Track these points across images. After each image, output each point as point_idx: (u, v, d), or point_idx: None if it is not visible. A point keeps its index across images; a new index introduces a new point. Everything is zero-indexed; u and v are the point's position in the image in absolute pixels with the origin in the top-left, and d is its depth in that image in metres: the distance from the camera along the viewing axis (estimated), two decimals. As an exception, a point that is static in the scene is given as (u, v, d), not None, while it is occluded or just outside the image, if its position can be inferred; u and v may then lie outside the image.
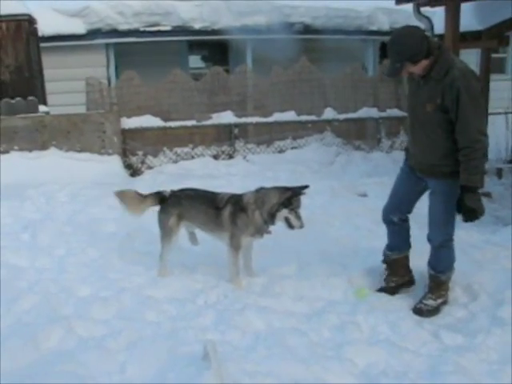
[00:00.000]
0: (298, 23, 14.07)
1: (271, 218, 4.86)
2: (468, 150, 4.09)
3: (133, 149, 10.77)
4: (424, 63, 4.16)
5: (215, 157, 11.26)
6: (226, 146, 11.37)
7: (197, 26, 13.63)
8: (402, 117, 12.42)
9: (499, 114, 10.62)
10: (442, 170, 4.30)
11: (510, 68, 17.15)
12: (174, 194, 5.34)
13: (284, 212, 4.82)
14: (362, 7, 14.84)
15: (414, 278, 4.95)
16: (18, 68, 10.37)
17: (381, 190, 8.12)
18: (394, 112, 12.49)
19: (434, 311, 4.51)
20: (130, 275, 5.27)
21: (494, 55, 11.76)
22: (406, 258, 4.91)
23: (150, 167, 10.81)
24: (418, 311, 4.51)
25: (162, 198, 5.31)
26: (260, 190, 5.04)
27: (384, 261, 4.95)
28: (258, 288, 4.94)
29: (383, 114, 12.35)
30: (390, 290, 4.86)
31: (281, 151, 11.57)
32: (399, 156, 11.62)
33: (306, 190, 4.90)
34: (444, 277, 4.57)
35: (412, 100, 4.46)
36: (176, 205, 5.23)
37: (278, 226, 4.98)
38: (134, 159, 10.76)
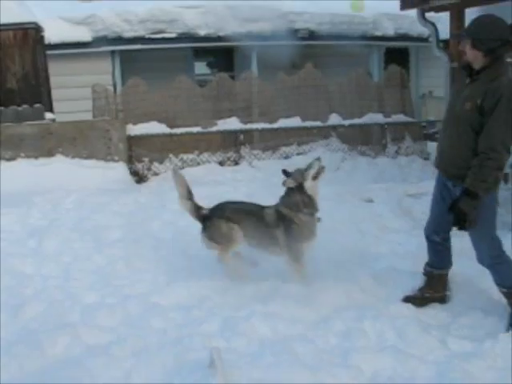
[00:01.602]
0: (302, 29, 14.10)
1: (310, 203, 4.96)
2: (483, 155, 4.06)
3: (138, 155, 10.78)
4: (479, 56, 4.13)
5: (221, 163, 11.26)
6: (231, 153, 11.38)
7: (202, 32, 13.69)
8: (407, 122, 12.43)
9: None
10: (464, 173, 4.19)
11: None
12: (214, 209, 5.31)
13: (307, 184, 4.95)
14: (366, 13, 14.86)
15: (447, 297, 4.79)
16: (24, 75, 10.41)
17: (387, 196, 8.15)
18: (400, 117, 12.49)
19: None
20: (136, 282, 5.27)
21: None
22: (446, 276, 4.79)
23: (155, 174, 10.82)
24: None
25: (203, 216, 5.26)
26: (283, 201, 5.12)
27: (424, 273, 4.83)
28: (264, 294, 4.92)
29: (389, 120, 12.35)
30: (419, 300, 4.73)
31: (286, 157, 11.56)
32: (405, 161, 11.65)
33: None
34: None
35: (454, 98, 4.43)
36: (222, 215, 5.18)
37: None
38: (139, 166, 10.77)
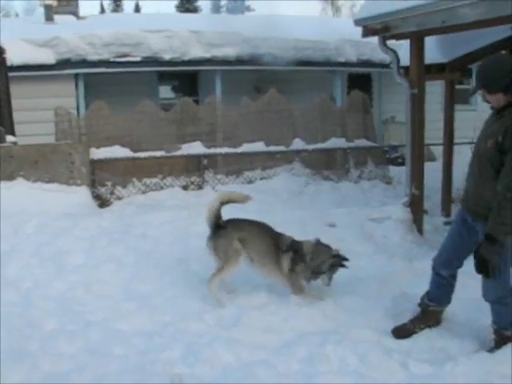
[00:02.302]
0: (267, 54, 14.23)
1: (316, 273, 5.38)
2: (501, 196, 3.96)
3: (101, 179, 10.68)
4: (500, 97, 4.11)
5: (184, 187, 11.22)
6: (195, 177, 11.35)
7: (167, 56, 13.74)
8: (369, 147, 12.58)
9: (464, 143, 10.82)
10: (487, 212, 4.09)
11: (473, 99, 17.54)
12: (229, 221, 5.56)
13: (327, 272, 5.36)
14: (330, 39, 15.10)
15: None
16: (-15, 98, 10.28)
17: (349, 220, 8.22)
18: (362, 142, 12.64)
19: None
20: (98, 308, 5.20)
21: (458, 87, 12.02)
22: (442, 312, 4.73)
23: (118, 198, 10.72)
24: None
25: (218, 224, 5.48)
26: (318, 244, 5.52)
27: (419, 304, 4.76)
28: (227, 320, 4.91)
29: (351, 145, 12.48)
30: (405, 330, 4.66)
31: (250, 182, 11.58)
32: (367, 186, 11.79)
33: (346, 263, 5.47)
34: (508, 332, 4.34)
35: (481, 134, 4.36)
36: (237, 229, 5.45)
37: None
38: (102, 190, 10.67)
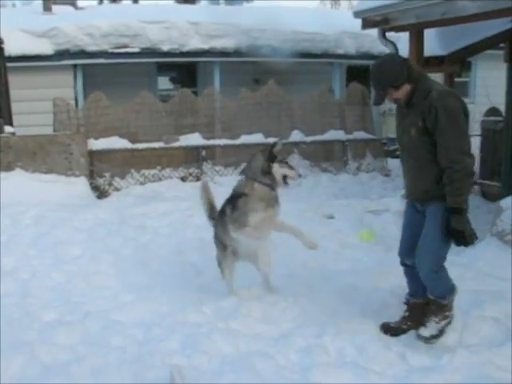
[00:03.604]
0: (265, 46, 14.20)
1: (270, 176, 4.88)
2: (450, 170, 4.06)
3: (100, 170, 10.68)
4: (406, 88, 4.17)
5: (183, 179, 11.22)
6: (193, 168, 11.36)
7: (165, 47, 13.70)
8: (368, 139, 12.60)
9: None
10: (435, 193, 4.21)
11: (472, 92, 17.54)
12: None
13: (276, 167, 4.87)
14: (328, 31, 15.06)
15: None
16: (-17, 88, 10.25)
17: (348, 212, 8.24)
18: (361, 134, 12.65)
19: (439, 335, 4.36)
20: (96, 299, 5.21)
21: (457, 79, 12.01)
22: (423, 305, 4.60)
23: (117, 189, 10.72)
24: (421, 336, 4.36)
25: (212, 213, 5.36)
26: (245, 167, 5.13)
27: (405, 302, 4.73)
28: (225, 311, 4.91)
29: (350, 137, 12.50)
30: (397, 330, 4.59)
31: (248, 173, 11.58)
32: (366, 178, 11.80)
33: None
34: (446, 301, 4.39)
35: (399, 129, 4.45)
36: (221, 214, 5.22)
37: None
38: (100, 181, 10.67)
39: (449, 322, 4.42)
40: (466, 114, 4.15)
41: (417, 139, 4.21)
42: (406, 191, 4.65)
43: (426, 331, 4.38)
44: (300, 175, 5.05)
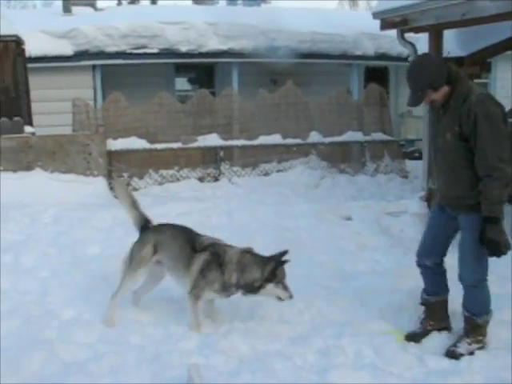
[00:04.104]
0: (283, 47, 14.20)
1: (252, 290, 4.51)
2: (488, 179, 3.92)
3: (118, 170, 10.74)
4: (445, 89, 4.07)
5: (201, 179, 11.26)
6: (211, 169, 11.39)
7: (183, 48, 13.74)
8: (386, 140, 12.54)
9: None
10: (469, 202, 4.09)
11: (492, 93, 17.36)
12: (156, 225, 5.04)
13: (270, 287, 4.48)
14: (347, 32, 15.03)
15: (451, 325, 4.58)
16: (4, 89, 10.33)
17: (365, 214, 8.21)
18: (379, 136, 12.60)
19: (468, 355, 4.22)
20: (114, 298, 5.23)
21: (477, 80, 11.92)
22: (445, 302, 4.57)
23: (135, 189, 10.75)
24: (451, 354, 4.22)
25: (144, 226, 4.96)
26: (246, 255, 4.61)
27: (422, 303, 4.64)
28: (243, 311, 4.92)
29: (368, 138, 12.45)
30: (424, 333, 4.52)
31: (266, 174, 11.60)
32: (383, 179, 11.75)
33: (287, 257, 4.51)
34: (480, 320, 4.27)
35: (433, 131, 4.37)
36: (156, 233, 4.90)
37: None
38: (119, 181, 10.72)
39: (481, 347, 4.28)
40: (505, 120, 4.03)
41: (452, 144, 4.10)
42: (439, 194, 4.50)
43: (456, 350, 4.25)
44: (291, 297, 4.51)
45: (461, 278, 4.29)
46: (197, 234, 4.89)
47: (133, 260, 4.81)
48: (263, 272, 4.46)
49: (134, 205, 5.09)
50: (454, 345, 4.29)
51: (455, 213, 4.27)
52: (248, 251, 4.67)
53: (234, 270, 4.52)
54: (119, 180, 5.26)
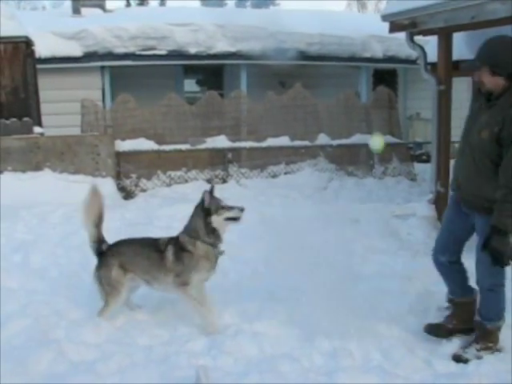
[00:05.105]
0: (292, 49, 14.21)
1: (213, 234, 4.65)
2: (506, 189, 3.84)
3: (126, 171, 10.77)
4: (501, 81, 3.93)
5: (209, 181, 11.25)
6: (219, 170, 11.40)
7: (192, 50, 13.79)
8: (394, 143, 12.51)
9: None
10: (486, 205, 4.00)
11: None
12: (112, 245, 4.90)
13: (215, 218, 4.63)
14: (355, 34, 15.03)
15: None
16: (14, 89, 10.39)
17: (373, 216, 8.19)
18: (387, 138, 12.52)
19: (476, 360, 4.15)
20: (122, 298, 5.24)
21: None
22: (470, 304, 4.44)
23: (143, 190, 10.80)
24: (457, 359, 4.17)
25: (100, 251, 4.83)
26: (185, 226, 4.80)
27: (447, 300, 4.61)
28: (251, 313, 4.92)
29: (376, 141, 12.41)
30: (444, 329, 4.46)
31: (274, 176, 11.60)
32: (391, 182, 11.73)
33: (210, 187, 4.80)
34: (490, 325, 4.21)
35: (469, 123, 4.20)
36: (116, 255, 4.79)
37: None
38: (127, 182, 10.75)
39: (490, 354, 4.22)
40: None
41: (486, 143, 3.98)
42: (455, 184, 4.36)
43: (463, 355, 4.20)
44: (242, 209, 4.66)
45: (477, 282, 4.26)
46: (155, 239, 4.91)
47: (109, 286, 4.70)
48: (198, 215, 4.66)
49: (97, 222, 4.88)
50: (463, 349, 4.26)
51: (470, 210, 4.22)
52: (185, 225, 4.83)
53: (195, 240, 4.64)
54: (95, 187, 5.09)
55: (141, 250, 4.84)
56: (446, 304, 4.66)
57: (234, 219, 4.67)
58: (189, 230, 4.75)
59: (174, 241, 4.77)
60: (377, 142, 4.57)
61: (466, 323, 4.45)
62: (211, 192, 4.75)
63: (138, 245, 4.92)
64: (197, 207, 4.75)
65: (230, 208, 4.67)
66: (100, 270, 4.76)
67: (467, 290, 4.48)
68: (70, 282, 5.69)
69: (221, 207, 4.65)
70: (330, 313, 4.91)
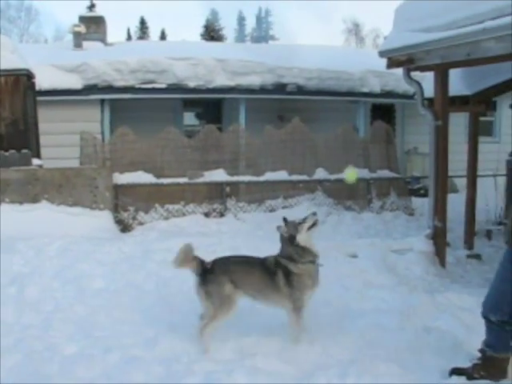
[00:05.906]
0: (291, 84, 14.35)
1: (305, 251, 4.97)
2: None
3: (124, 204, 10.77)
4: None
5: (206, 214, 11.26)
6: (217, 204, 11.40)
7: (192, 84, 13.90)
8: (392, 178, 12.56)
9: (488, 176, 10.78)
10: None
11: (497, 131, 17.49)
12: (218, 263, 5.05)
13: (299, 237, 4.96)
14: (353, 69, 15.18)
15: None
16: (14, 121, 10.45)
17: (371, 251, 8.16)
18: (385, 173, 12.63)
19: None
20: (118, 333, 5.19)
21: (482, 118, 12.00)
22: (504, 361, 4.19)
23: (141, 223, 10.78)
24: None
25: (204, 269, 4.97)
26: (280, 251, 5.09)
27: (479, 350, 4.30)
28: (246, 349, 4.87)
29: (374, 175, 12.48)
30: (468, 377, 4.22)
31: (272, 210, 11.60)
32: (389, 217, 11.73)
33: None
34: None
35: None
36: (227, 273, 4.94)
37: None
38: (125, 215, 10.75)
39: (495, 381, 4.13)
40: None
41: None
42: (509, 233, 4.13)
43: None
44: (314, 213, 5.17)
45: (484, 310, 4.18)
46: (262, 258, 5.16)
47: (221, 301, 4.86)
48: (286, 243, 5.03)
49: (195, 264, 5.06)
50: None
51: None
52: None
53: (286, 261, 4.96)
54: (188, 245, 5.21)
55: (251, 270, 5.07)
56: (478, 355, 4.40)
57: (314, 225, 5.03)
58: (284, 254, 5.03)
59: (278, 261, 5.03)
60: (350, 174, 4.79)
61: (493, 377, 4.20)
62: (285, 220, 5.09)
63: (248, 264, 5.15)
64: (282, 237, 5.08)
65: (304, 219, 5.05)
66: (210, 286, 4.89)
67: (508, 347, 4.21)
68: (65, 316, 5.63)
69: (298, 224, 5.00)
70: (327, 349, 4.87)
